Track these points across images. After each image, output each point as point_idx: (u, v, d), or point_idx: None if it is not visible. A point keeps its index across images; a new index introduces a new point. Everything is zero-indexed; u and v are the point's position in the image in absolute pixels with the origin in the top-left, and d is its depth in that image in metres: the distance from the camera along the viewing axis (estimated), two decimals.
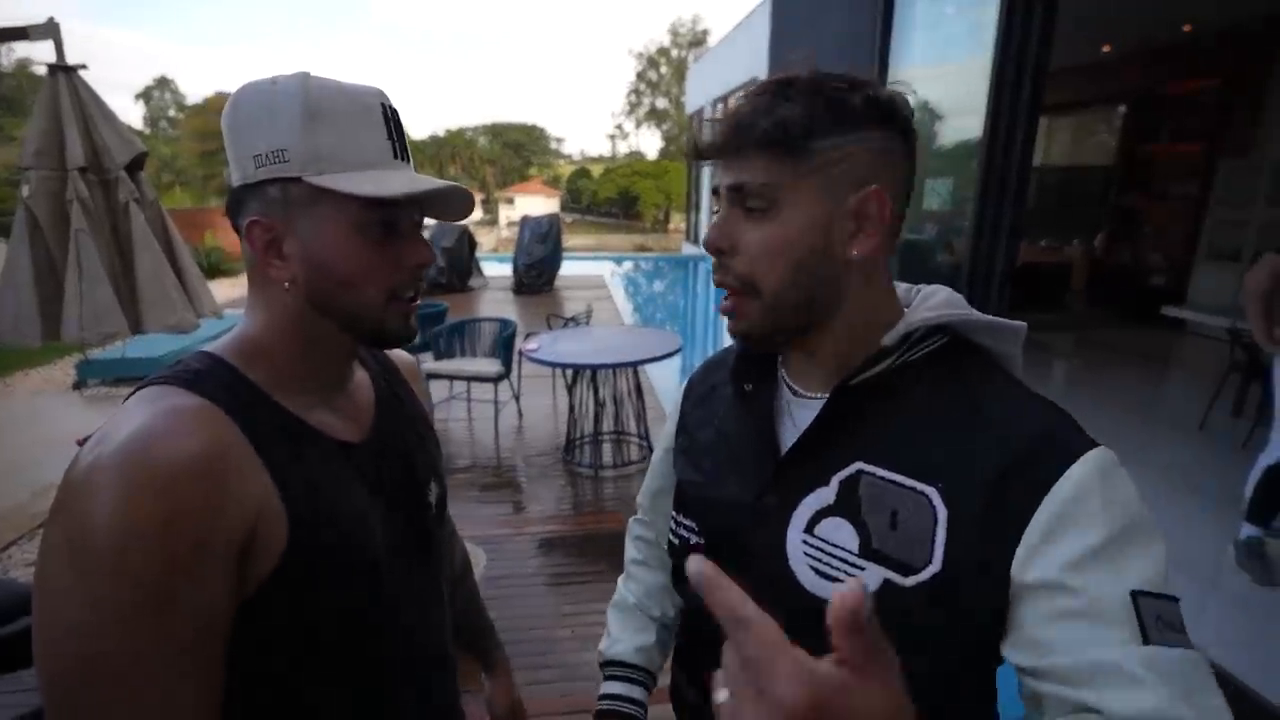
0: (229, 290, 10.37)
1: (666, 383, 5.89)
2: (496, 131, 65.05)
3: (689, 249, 17.27)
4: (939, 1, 4.02)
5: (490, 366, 4.09)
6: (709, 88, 14.60)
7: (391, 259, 0.60)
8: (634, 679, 0.82)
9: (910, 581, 0.51)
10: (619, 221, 39.54)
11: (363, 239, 0.58)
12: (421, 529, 0.71)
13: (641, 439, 3.96)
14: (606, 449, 3.92)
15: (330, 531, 0.57)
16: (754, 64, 10.29)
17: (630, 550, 0.90)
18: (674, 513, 0.72)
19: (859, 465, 0.56)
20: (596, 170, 51.18)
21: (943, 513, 0.51)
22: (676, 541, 0.70)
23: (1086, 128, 7.92)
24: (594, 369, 3.59)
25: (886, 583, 0.52)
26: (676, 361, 4.21)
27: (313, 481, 0.57)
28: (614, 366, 3.48)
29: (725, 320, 0.61)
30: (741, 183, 0.56)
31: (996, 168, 3.22)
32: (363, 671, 0.62)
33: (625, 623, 0.85)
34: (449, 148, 57.91)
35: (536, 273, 9.89)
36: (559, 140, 76.45)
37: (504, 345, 4.18)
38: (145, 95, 55.63)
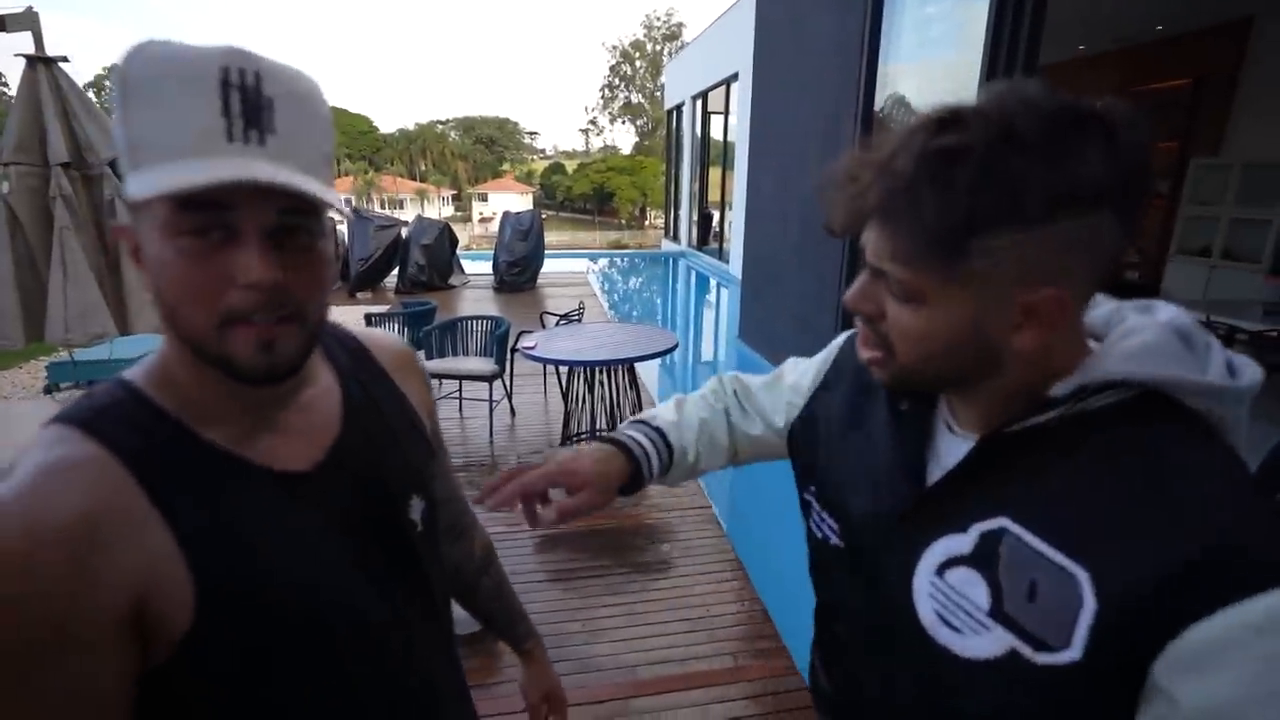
0: None
1: (655, 380, 5.91)
2: (468, 126, 64.25)
3: (669, 245, 17.29)
4: None
5: (484, 365, 4.06)
6: (688, 84, 14.60)
7: (218, 273, 0.47)
8: (661, 456, 0.77)
9: (1041, 659, 0.47)
10: (594, 218, 39.40)
11: (177, 248, 0.46)
12: (400, 549, 0.64)
13: None
14: None
15: (257, 580, 0.51)
16: (735, 60, 10.32)
17: (709, 394, 0.84)
18: (817, 505, 0.70)
19: (1004, 522, 0.50)
20: (570, 166, 50.91)
21: (1090, 604, 0.45)
22: (819, 535, 0.69)
23: None
24: (593, 366, 3.59)
25: (1013, 652, 0.48)
26: (664, 360, 4.22)
27: (233, 528, 0.51)
28: (613, 363, 3.48)
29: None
30: (882, 269, 0.50)
31: None
32: (326, 710, 0.57)
33: (686, 427, 0.80)
34: (419, 142, 57.06)
35: (518, 270, 9.81)
36: (532, 134, 75.89)
37: (498, 343, 4.15)
38: (96, 85, 53.67)
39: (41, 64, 2.73)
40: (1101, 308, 0.56)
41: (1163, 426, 0.48)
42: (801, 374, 0.78)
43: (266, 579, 0.51)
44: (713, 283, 12.15)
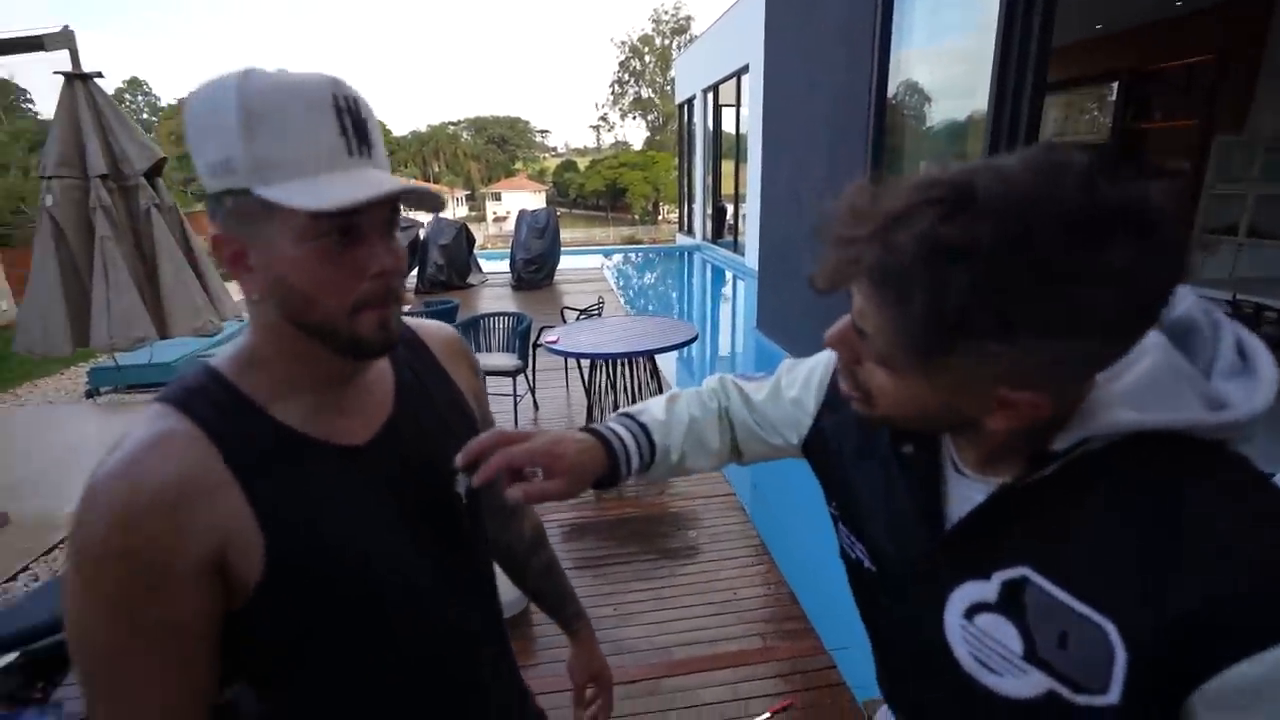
0: (238, 293, 10.33)
1: (673, 372, 5.97)
2: (480, 126, 64.54)
3: (683, 239, 17.30)
4: None
5: (508, 361, 4.13)
6: (699, 77, 14.58)
7: (351, 268, 0.55)
8: (641, 451, 0.75)
9: (1081, 700, 0.48)
10: (607, 214, 39.47)
11: (317, 250, 0.53)
12: (446, 522, 0.69)
13: None
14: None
15: (318, 544, 0.57)
16: (748, 51, 10.30)
17: (706, 394, 0.83)
18: (844, 526, 0.70)
19: (1025, 571, 0.50)
20: (582, 163, 50.99)
21: (1122, 654, 0.45)
22: (853, 557, 0.70)
23: (1079, 106, 8.00)
24: (615, 358, 3.64)
25: (1051, 693, 0.49)
26: (682, 351, 4.27)
27: (302, 496, 0.58)
28: (634, 355, 3.53)
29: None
30: (864, 331, 0.48)
31: (1002, 148, 3.28)
32: (380, 666, 0.63)
33: (674, 426, 0.78)
34: (432, 143, 57.46)
35: (535, 267, 9.89)
36: (543, 133, 76.11)
37: (520, 339, 4.23)
38: (117, 98, 54.67)
39: (79, 80, 2.83)
40: None
41: (1167, 462, 0.46)
42: (802, 388, 0.76)
43: (325, 540, 0.58)
44: (728, 275, 12.16)
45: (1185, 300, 0.51)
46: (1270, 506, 0.44)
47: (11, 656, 1.13)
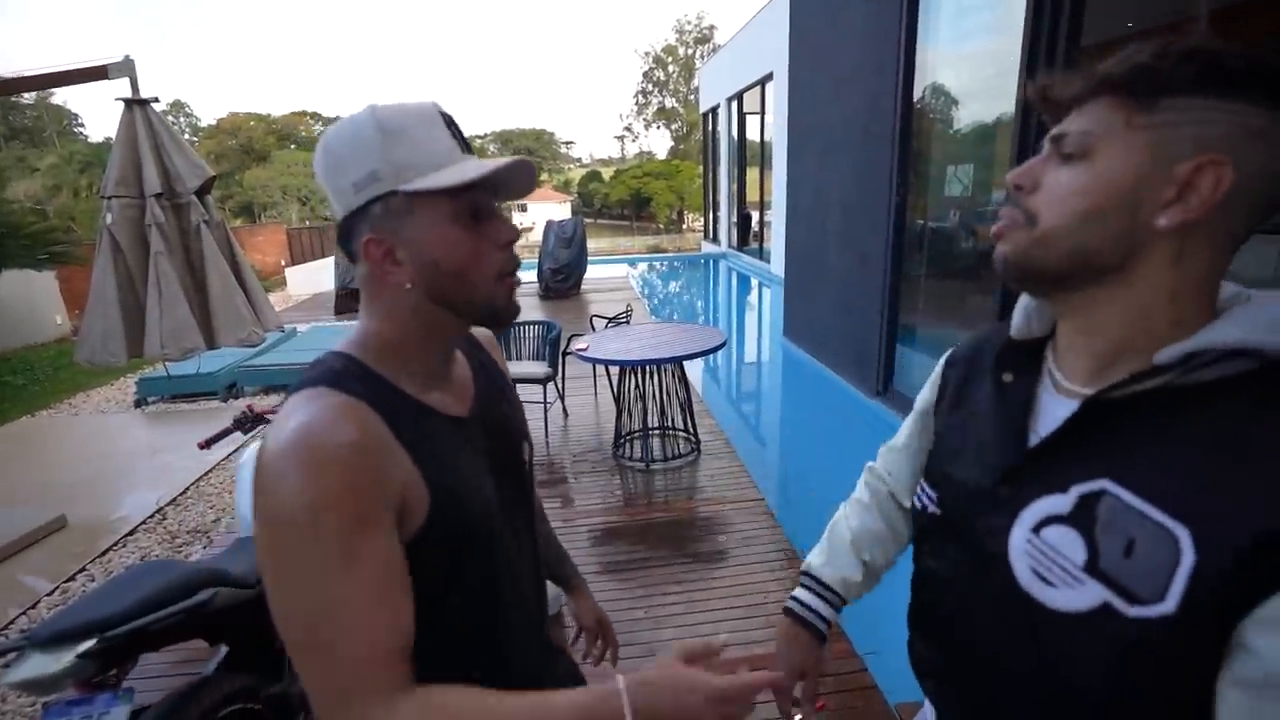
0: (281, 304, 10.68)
1: (700, 379, 5.99)
2: (506, 139, 65.51)
3: (709, 248, 17.33)
4: None
5: (538, 368, 4.21)
6: (722, 86, 14.65)
7: (488, 240, 0.67)
8: (825, 596, 0.89)
9: (1133, 612, 0.49)
10: (631, 223, 39.68)
11: (459, 227, 0.65)
12: (521, 483, 0.83)
13: (688, 433, 4.05)
14: (655, 443, 4.03)
15: (458, 497, 0.67)
16: (772, 59, 10.33)
17: (859, 489, 0.95)
18: (921, 478, 0.74)
19: (1105, 484, 0.52)
20: (607, 173, 51.34)
21: (1189, 558, 0.47)
22: (919, 505, 0.73)
23: None
24: (643, 365, 3.69)
25: (1105, 605, 0.51)
26: (709, 359, 4.30)
27: (439, 456, 0.67)
28: (663, 362, 3.58)
29: (996, 243, 0.58)
30: (1064, 131, 0.54)
31: (1030, 152, 3.26)
32: (487, 596, 0.74)
33: (838, 551, 0.91)
34: None
35: (562, 277, 10.01)
36: (568, 144, 77.03)
37: (550, 346, 4.30)
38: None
39: (137, 105, 3.00)
40: (1230, 288, 0.55)
41: (1276, 396, 0.47)
42: (921, 399, 0.82)
43: (457, 490, 0.68)
44: (754, 283, 12.15)
45: None
46: None
47: (90, 643, 1.22)
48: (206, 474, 4.08)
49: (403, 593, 0.61)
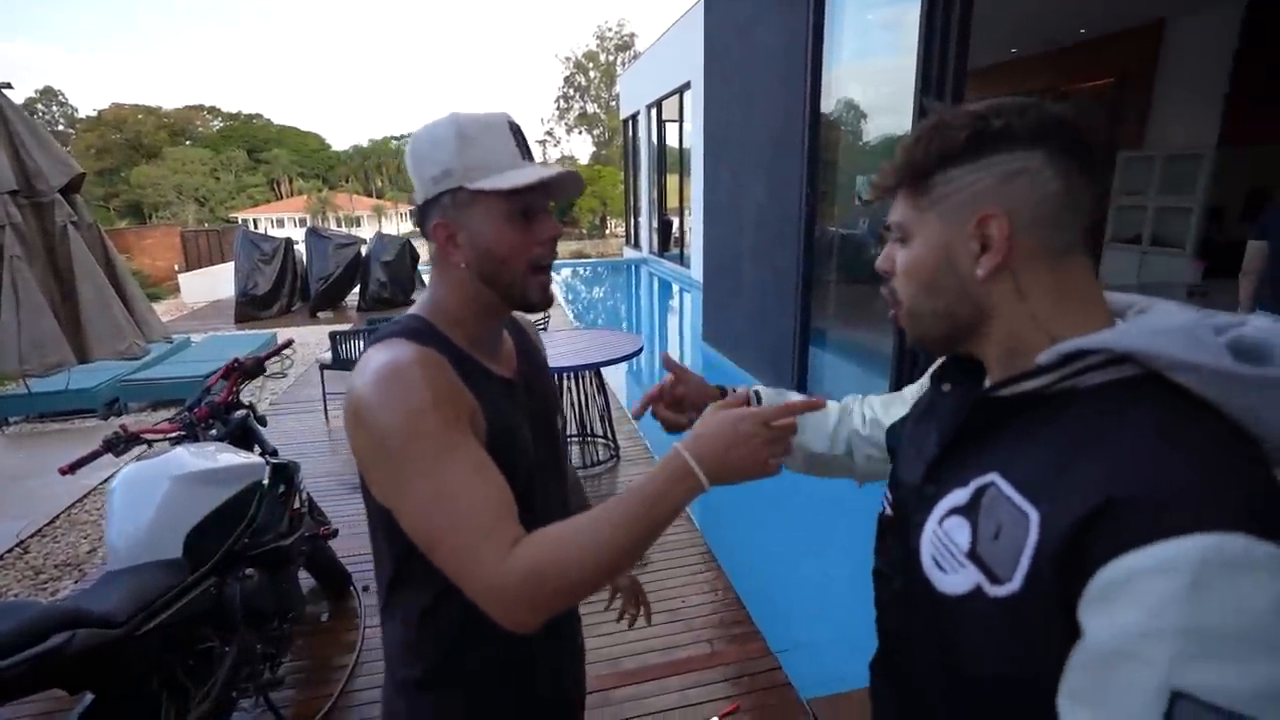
0: (162, 317, 9.85)
1: (619, 384, 5.99)
2: None
3: (630, 253, 17.42)
4: (867, 5, 4.26)
5: None
6: (642, 93, 14.79)
7: (531, 236, 0.80)
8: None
9: (993, 591, 0.52)
10: None
11: (509, 223, 0.79)
12: (554, 448, 0.95)
13: (608, 440, 4.03)
14: (574, 450, 3.98)
15: (509, 435, 0.81)
16: (687, 69, 10.52)
17: (865, 409, 0.96)
18: (887, 489, 0.77)
19: (993, 477, 0.56)
20: None
21: (1033, 538, 0.50)
22: (881, 508, 0.77)
23: None
24: (559, 372, 3.65)
25: (977, 587, 0.54)
26: (629, 363, 4.31)
27: (494, 401, 0.81)
28: (580, 368, 3.55)
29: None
30: (890, 221, 0.64)
31: None
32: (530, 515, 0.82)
33: (823, 421, 0.94)
34: (374, 158, 56.26)
35: None
36: None
37: None
38: (28, 108, 51.53)
39: None
40: (1120, 299, 0.61)
41: (1150, 397, 0.50)
42: (918, 385, 0.88)
43: (511, 433, 0.81)
44: (675, 288, 12.31)
45: (1260, 323, 0.52)
46: (1193, 437, 0.47)
47: None
48: (80, 500, 3.71)
49: (496, 472, 0.72)
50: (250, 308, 9.35)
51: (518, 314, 0.98)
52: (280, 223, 40.04)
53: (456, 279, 0.82)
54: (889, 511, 0.74)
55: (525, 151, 0.81)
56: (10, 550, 3.23)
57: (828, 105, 4.54)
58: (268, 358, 2.34)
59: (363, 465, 0.73)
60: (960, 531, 0.57)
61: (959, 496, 0.59)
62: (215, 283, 12.18)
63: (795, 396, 0.92)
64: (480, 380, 0.80)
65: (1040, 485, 0.51)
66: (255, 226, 27.16)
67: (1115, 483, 0.46)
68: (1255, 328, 0.52)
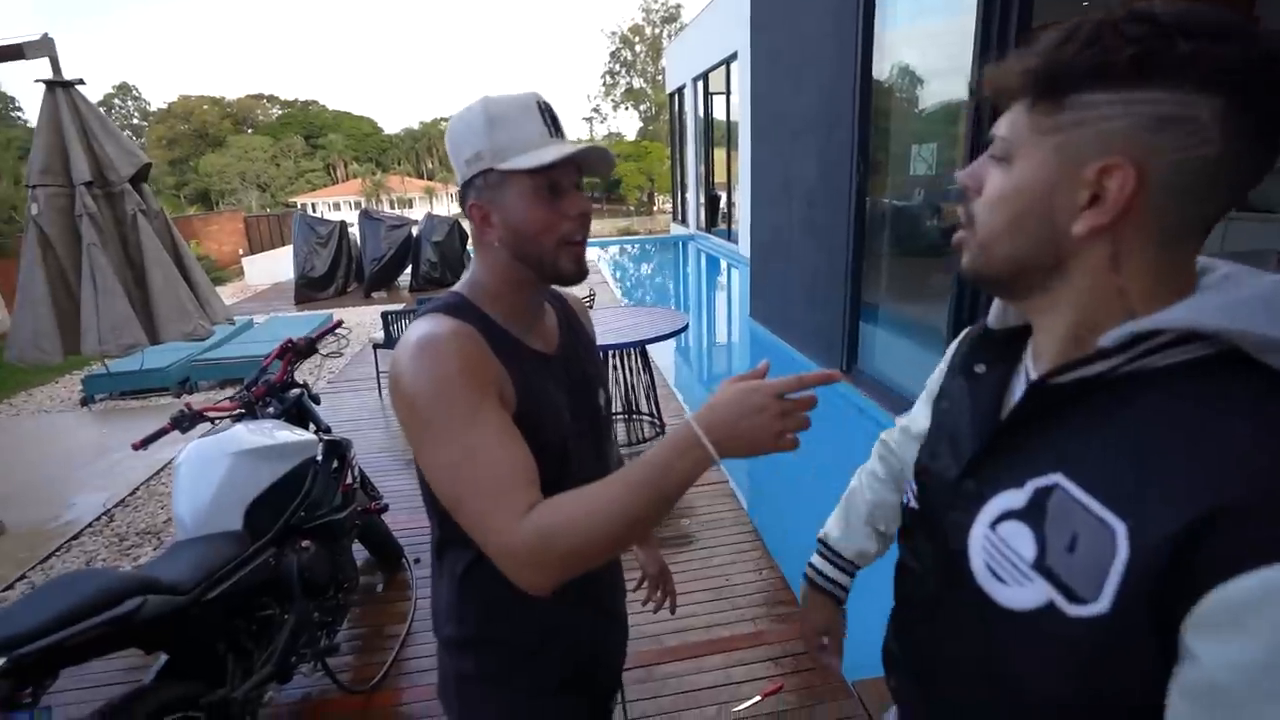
0: (226, 299, 10.37)
1: (666, 362, 5.98)
2: None
3: (677, 229, 17.26)
4: None
5: None
6: (688, 66, 14.50)
7: (559, 212, 0.81)
8: (841, 565, 0.95)
9: (1073, 611, 0.47)
10: (602, 205, 39.37)
11: (537, 200, 0.80)
12: (595, 420, 0.97)
13: (653, 417, 4.03)
14: (620, 428, 4.00)
15: (538, 409, 0.83)
16: (736, 39, 10.24)
17: (874, 461, 0.96)
18: (909, 474, 0.73)
19: (1057, 478, 0.50)
20: None
21: (1124, 553, 0.44)
22: (905, 500, 0.73)
23: None
24: (604, 349, 3.66)
25: (1050, 604, 0.48)
26: (675, 341, 4.28)
27: (526, 375, 0.83)
28: (625, 346, 3.54)
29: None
30: (996, 132, 0.53)
31: (985, 131, 3.27)
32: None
33: (854, 524, 0.95)
34: (425, 140, 57.21)
35: None
36: None
37: None
38: (106, 104, 54.42)
39: (60, 88, 2.83)
40: (1208, 264, 0.51)
41: (1236, 381, 0.44)
42: (931, 380, 0.82)
43: (542, 405, 0.84)
44: (723, 264, 12.15)
45: None
46: None
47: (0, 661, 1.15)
48: (158, 473, 3.95)
49: (520, 440, 0.75)
50: (308, 289, 9.70)
51: (564, 290, 1.01)
52: (336, 206, 41.28)
53: (493, 256, 0.84)
54: (914, 504, 0.69)
55: (555, 129, 0.81)
56: (98, 519, 3.47)
57: (880, 71, 4.35)
58: (319, 338, 2.42)
59: (403, 430, 0.77)
60: (1022, 539, 0.51)
61: (1014, 499, 0.53)
62: (276, 266, 12.68)
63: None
64: (514, 353, 0.83)
65: (1123, 491, 0.45)
66: (313, 210, 28.08)
67: (1221, 488, 0.40)
68: None
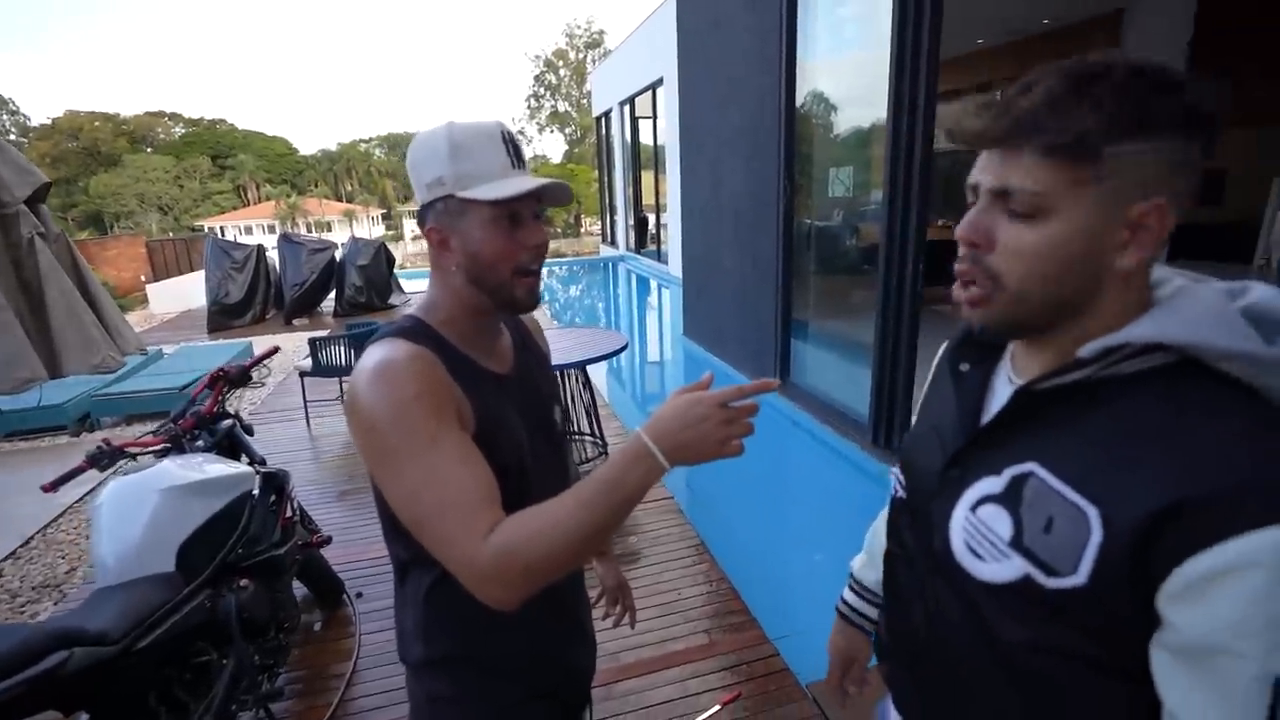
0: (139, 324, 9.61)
1: (604, 382, 5.99)
2: (394, 142, 62.72)
3: (607, 251, 17.39)
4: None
5: None
6: (614, 90, 14.76)
7: (517, 242, 0.83)
8: (867, 598, 0.97)
9: (1051, 584, 0.53)
10: None
11: (496, 229, 0.82)
12: (550, 438, 0.98)
13: (595, 436, 4.04)
14: None
15: (496, 430, 0.83)
16: (660, 66, 10.52)
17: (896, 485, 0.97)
18: (896, 468, 0.78)
19: (1033, 467, 0.56)
20: None
21: (1097, 536, 0.50)
22: (892, 491, 0.78)
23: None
24: None
25: (1027, 577, 0.55)
26: (612, 361, 4.31)
27: (483, 396, 0.84)
28: (567, 367, 3.54)
29: (965, 306, 0.59)
30: (1009, 188, 0.53)
31: (902, 154, 3.50)
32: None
33: (874, 554, 0.95)
34: (343, 161, 55.39)
35: None
36: None
37: None
38: None
39: None
40: (1163, 274, 0.58)
41: (1197, 390, 0.51)
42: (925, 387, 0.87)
43: (498, 425, 0.85)
44: (653, 284, 12.32)
45: (1264, 292, 0.54)
46: (1252, 427, 0.48)
47: None
48: (56, 519, 3.61)
49: (481, 460, 0.75)
50: (223, 316, 9.16)
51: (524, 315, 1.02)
52: (249, 230, 39.25)
53: (450, 281, 0.85)
54: (901, 494, 0.75)
55: (517, 160, 0.84)
56: None
57: (802, 98, 4.58)
58: (253, 365, 2.31)
59: (361, 455, 0.77)
60: (999, 520, 0.58)
61: (991, 484, 0.59)
62: (185, 292, 11.91)
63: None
64: (470, 376, 0.84)
65: (1095, 481, 0.52)
66: (223, 234, 26.60)
67: (1185, 480, 0.47)
68: (1261, 296, 0.54)
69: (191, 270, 14.66)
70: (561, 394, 0.98)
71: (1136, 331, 0.52)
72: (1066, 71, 0.51)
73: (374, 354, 0.79)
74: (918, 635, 0.70)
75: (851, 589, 0.99)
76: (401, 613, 0.94)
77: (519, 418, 0.90)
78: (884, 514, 0.97)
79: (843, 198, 4.51)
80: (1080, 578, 0.51)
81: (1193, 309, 0.52)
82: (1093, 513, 0.51)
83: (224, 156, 54.29)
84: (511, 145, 0.83)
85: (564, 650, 1.02)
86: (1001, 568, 0.57)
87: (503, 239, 0.82)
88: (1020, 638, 0.57)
